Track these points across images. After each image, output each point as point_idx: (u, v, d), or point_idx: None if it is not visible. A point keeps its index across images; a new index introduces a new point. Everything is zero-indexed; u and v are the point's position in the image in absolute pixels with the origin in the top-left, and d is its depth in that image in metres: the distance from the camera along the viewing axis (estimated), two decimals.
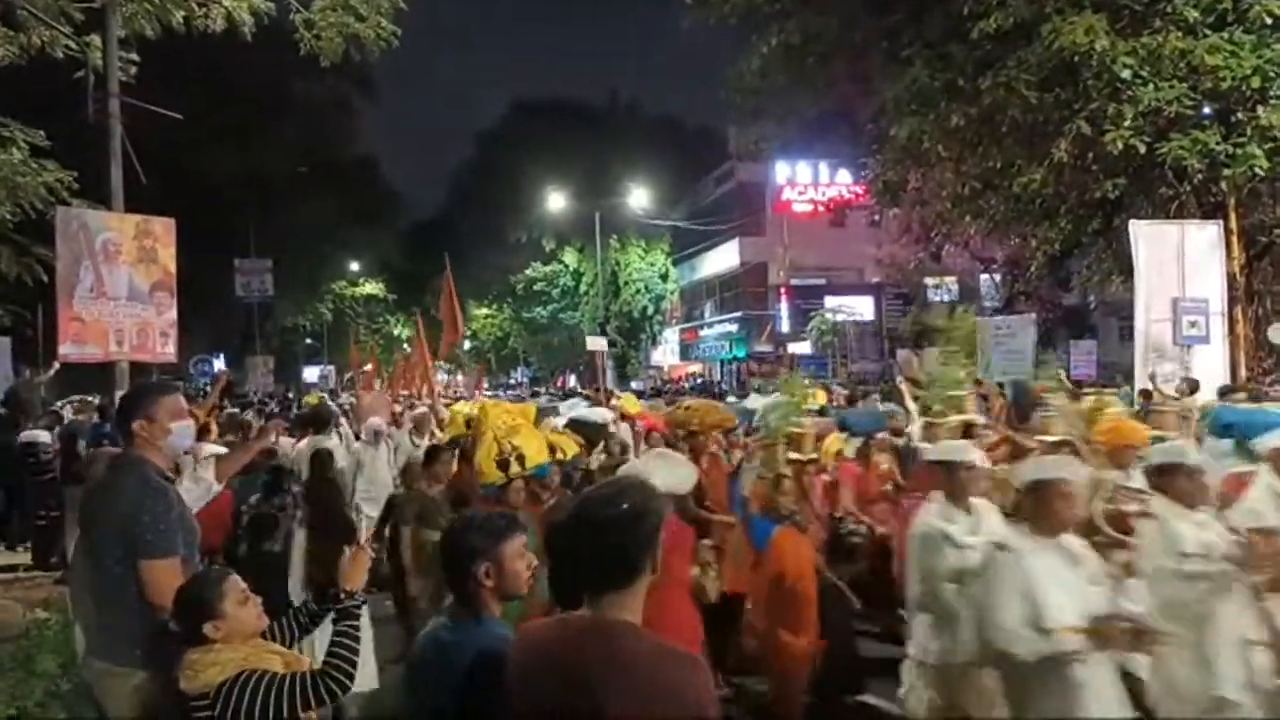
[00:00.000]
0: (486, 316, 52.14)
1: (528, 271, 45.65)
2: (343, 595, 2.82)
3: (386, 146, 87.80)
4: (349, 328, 48.73)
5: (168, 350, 8.00)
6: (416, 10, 10.59)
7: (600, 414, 9.36)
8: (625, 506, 2.05)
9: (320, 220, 32.99)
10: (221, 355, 29.51)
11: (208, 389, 20.52)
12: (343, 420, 10.56)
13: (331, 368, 42.03)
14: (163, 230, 8.00)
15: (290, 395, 20.82)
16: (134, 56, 10.13)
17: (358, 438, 9.53)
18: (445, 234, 49.91)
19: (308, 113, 30.49)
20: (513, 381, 43.79)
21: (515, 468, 5.39)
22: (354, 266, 46.35)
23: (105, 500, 3.23)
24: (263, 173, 29.31)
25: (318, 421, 8.86)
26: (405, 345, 47.07)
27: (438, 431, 9.10)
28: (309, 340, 45.88)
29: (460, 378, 42.23)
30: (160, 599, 2.93)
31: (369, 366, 25.17)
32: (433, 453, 6.68)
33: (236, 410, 13.70)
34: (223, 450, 5.19)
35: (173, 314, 7.99)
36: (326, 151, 33.62)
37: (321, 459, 6.59)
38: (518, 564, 2.47)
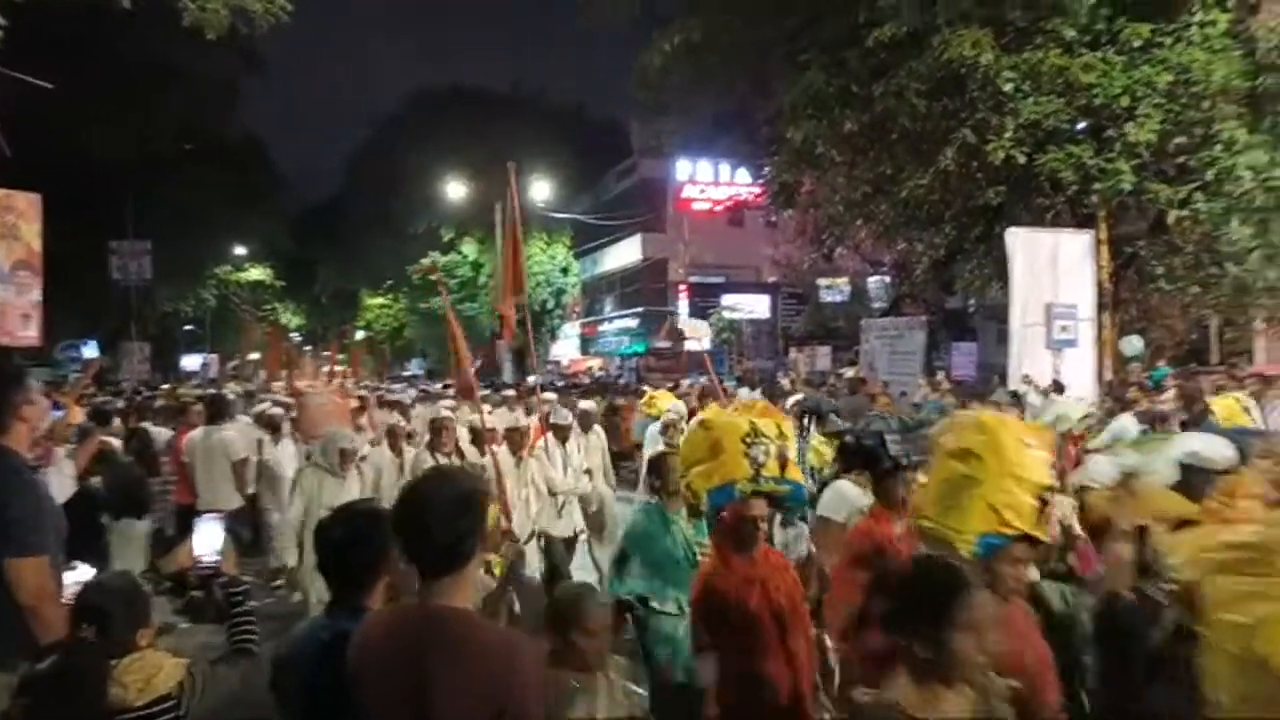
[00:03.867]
0: (381, 306, 50.95)
1: (425, 261, 44.68)
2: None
3: (278, 128, 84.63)
4: (233, 315, 46.85)
5: (29, 333, 7.55)
6: None
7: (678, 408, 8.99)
8: (452, 494, 2.09)
9: (204, 201, 31.39)
10: (94, 341, 27.85)
11: (77, 375, 19.40)
12: (284, 429, 9.13)
13: (214, 356, 40.25)
14: (27, 206, 7.53)
15: (153, 386, 19.37)
16: (1, 21, 9.48)
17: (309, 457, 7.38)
18: (338, 220, 48.58)
19: (192, 89, 29.01)
20: (408, 373, 42.87)
21: (774, 471, 3.68)
22: (240, 251, 44.46)
23: None
24: (143, 150, 27.80)
25: (213, 410, 8.55)
26: (294, 334, 45.60)
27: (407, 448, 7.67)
28: (189, 327, 43.84)
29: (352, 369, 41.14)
30: (33, 600, 2.76)
31: (256, 354, 24.23)
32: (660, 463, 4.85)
33: (109, 399, 13.01)
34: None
35: (36, 295, 7.54)
36: (212, 130, 32.12)
37: (140, 438, 7.53)
38: None
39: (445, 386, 17.14)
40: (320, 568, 2.52)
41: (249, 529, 8.38)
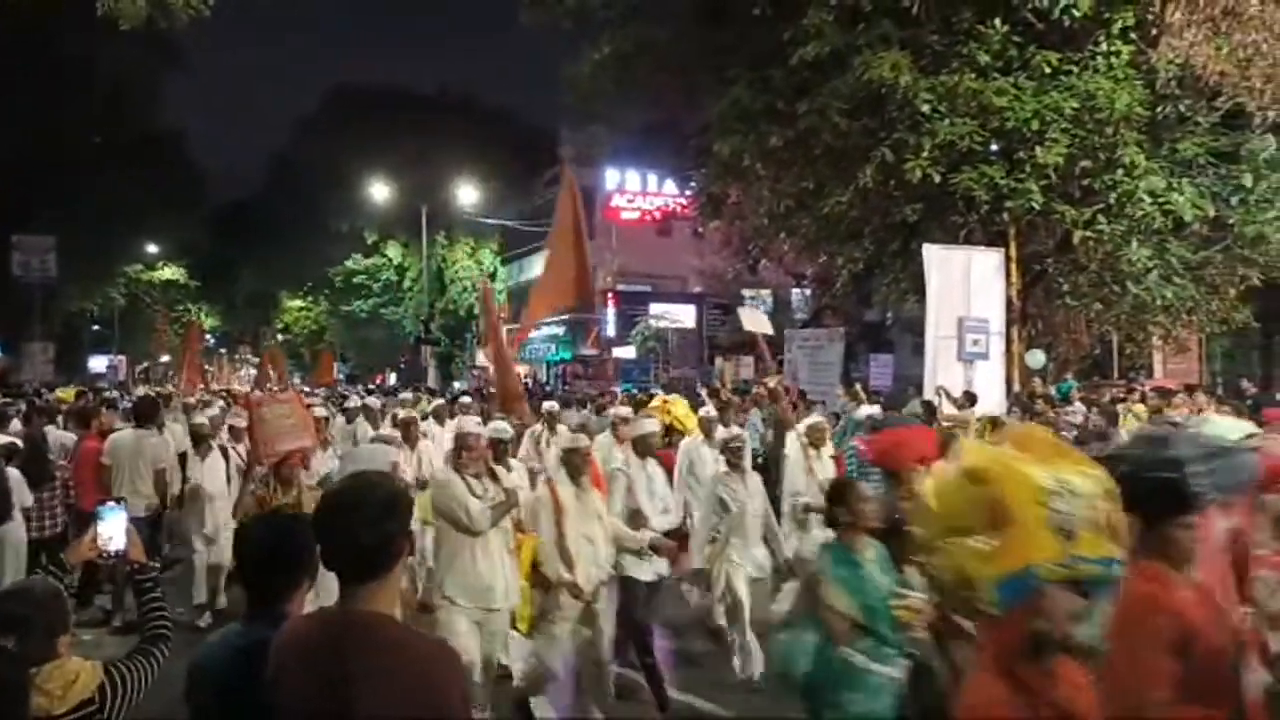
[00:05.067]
0: (301, 309, 49.76)
1: (347, 263, 43.83)
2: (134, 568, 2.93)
3: (197, 124, 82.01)
4: (144, 316, 45.16)
5: None
6: None
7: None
8: (377, 498, 2.08)
9: (115, 196, 30.15)
10: None
11: None
12: (227, 447, 8.46)
13: (122, 358, 38.70)
14: None
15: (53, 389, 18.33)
16: None
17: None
18: (258, 219, 47.28)
19: (105, 80, 27.94)
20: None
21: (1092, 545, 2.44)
22: (153, 249, 42.92)
23: None
24: (50, 142, 26.63)
25: (142, 413, 8.32)
26: (209, 336, 44.22)
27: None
28: (97, 327, 42.13)
29: (272, 372, 40.04)
30: None
31: (167, 356, 23.42)
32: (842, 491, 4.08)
33: (9, 401, 12.46)
34: None
35: None
36: (126, 123, 30.96)
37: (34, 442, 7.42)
38: None
39: (463, 394, 16.52)
40: (240, 575, 2.49)
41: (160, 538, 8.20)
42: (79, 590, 7.58)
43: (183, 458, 8.81)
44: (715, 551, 6.47)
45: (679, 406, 9.07)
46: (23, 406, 11.62)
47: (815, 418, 8.46)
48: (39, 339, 27.58)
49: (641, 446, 6.65)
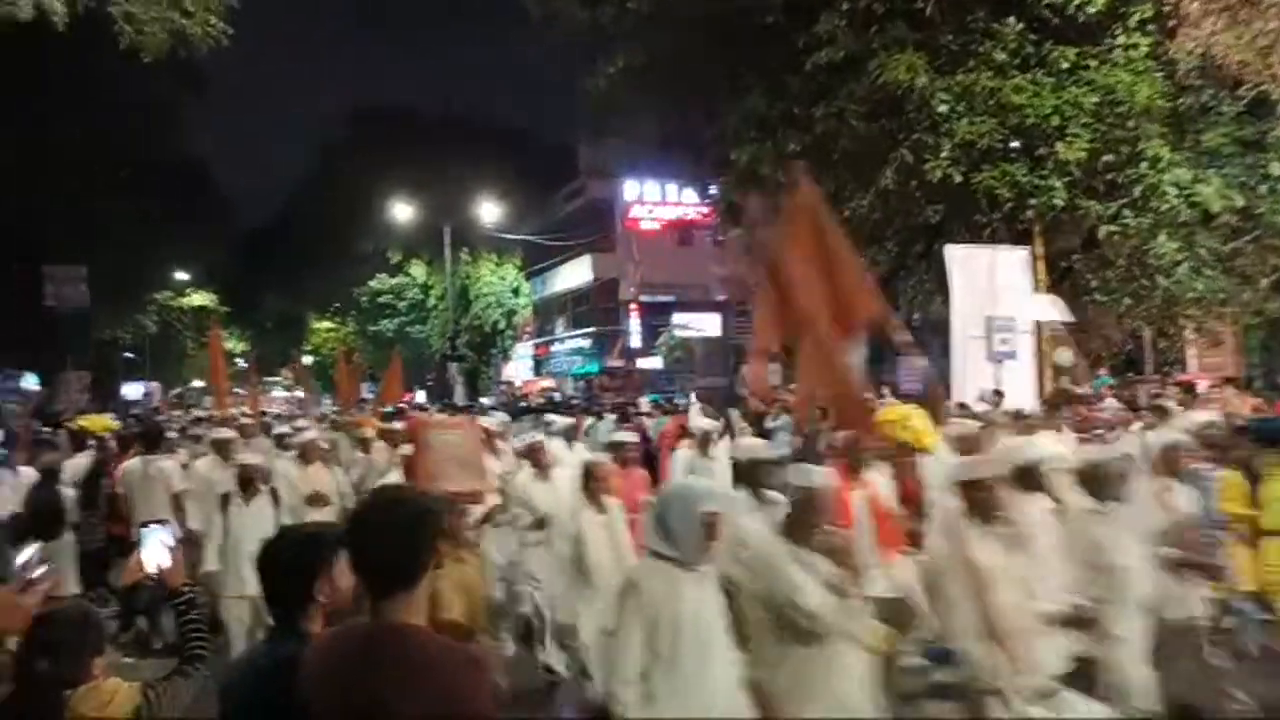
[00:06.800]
0: (328, 330, 50.24)
1: (372, 283, 44.30)
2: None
3: (219, 151, 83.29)
4: (176, 342, 45.81)
5: None
6: (256, 11, 10.23)
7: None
8: (409, 509, 2.14)
9: (142, 225, 30.72)
10: (27, 373, 27.04)
11: (13, 407, 18.82)
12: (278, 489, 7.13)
13: (156, 385, 39.24)
14: None
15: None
16: None
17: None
18: (283, 243, 47.88)
19: (130, 111, 28.46)
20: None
21: None
22: (181, 276, 43.59)
23: None
24: (78, 173, 27.14)
25: (148, 437, 8.43)
26: (239, 360, 44.73)
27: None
28: (129, 355, 42.79)
29: (302, 394, 40.48)
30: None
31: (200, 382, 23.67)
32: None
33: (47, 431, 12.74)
34: None
35: None
36: (151, 152, 31.48)
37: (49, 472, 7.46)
38: (346, 579, 2.44)
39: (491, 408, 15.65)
40: (264, 593, 2.52)
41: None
42: (121, 614, 7.71)
43: (224, 500, 6.97)
44: None
45: (918, 419, 6.49)
46: (62, 436, 11.84)
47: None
48: (73, 368, 28.02)
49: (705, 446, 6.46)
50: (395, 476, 6.37)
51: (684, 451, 8.26)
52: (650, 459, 10.05)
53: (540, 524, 6.40)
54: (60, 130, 25.46)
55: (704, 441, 8.04)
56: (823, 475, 3.75)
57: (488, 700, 2.07)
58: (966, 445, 6.11)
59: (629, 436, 7.54)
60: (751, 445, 5.13)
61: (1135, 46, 12.16)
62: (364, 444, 9.49)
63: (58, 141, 25.49)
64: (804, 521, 3.61)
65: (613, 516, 5.47)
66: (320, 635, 2.24)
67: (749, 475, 4.83)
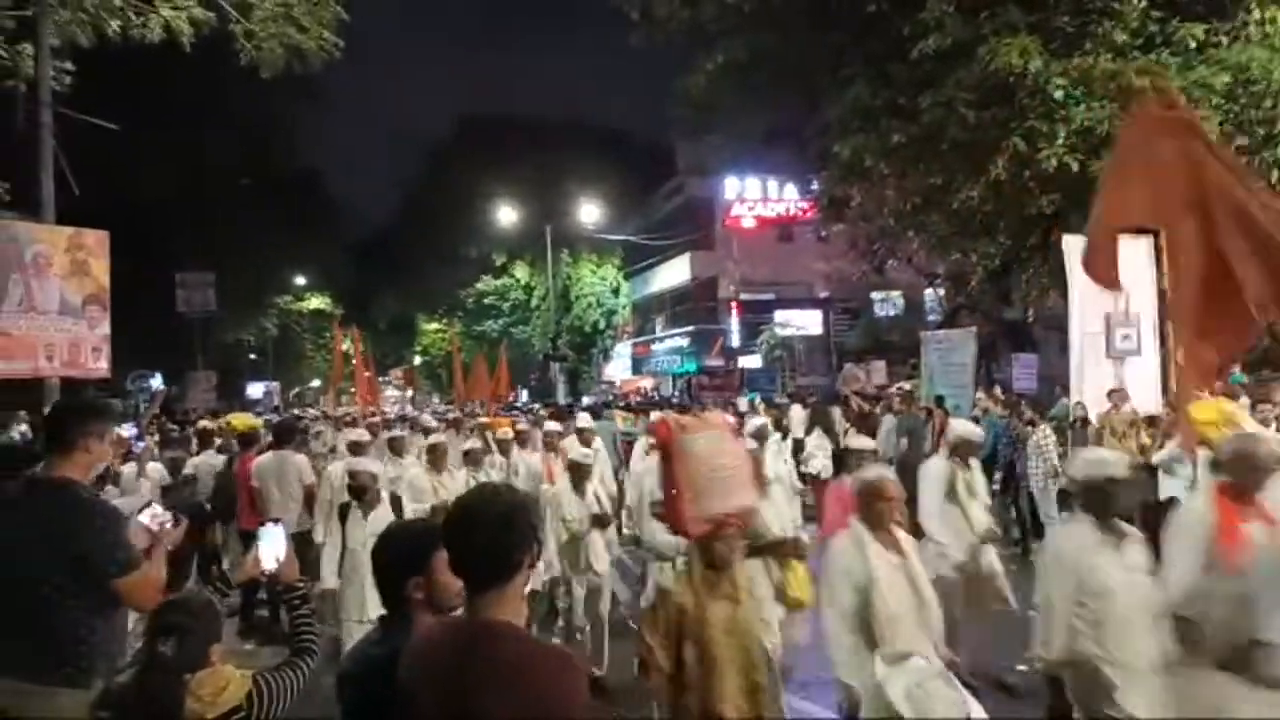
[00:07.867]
0: (436, 331, 51.73)
1: (478, 285, 45.45)
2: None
3: (331, 159, 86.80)
4: (295, 343, 47.98)
5: (100, 365, 7.82)
6: (363, 23, 10.59)
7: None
8: (501, 506, 2.15)
9: (262, 233, 32.42)
10: (159, 373, 28.73)
11: (145, 405, 20.03)
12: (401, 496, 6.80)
13: (276, 384, 41.12)
14: (95, 243, 7.83)
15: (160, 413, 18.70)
16: (68, 66, 9.92)
17: None
18: (393, 248, 49.64)
19: (249, 124, 29.99)
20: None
21: None
22: (300, 280, 45.66)
23: (34, 520, 3.16)
24: (203, 184, 28.76)
25: (281, 435, 8.80)
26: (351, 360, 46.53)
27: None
28: (252, 356, 45.04)
29: (410, 393, 41.80)
30: (146, 607, 2.98)
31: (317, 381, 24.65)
32: None
33: (175, 427, 13.49)
34: None
35: (106, 328, 7.81)
36: (269, 164, 33.10)
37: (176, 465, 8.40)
38: (447, 576, 2.47)
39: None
40: (376, 584, 2.60)
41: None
42: (242, 609, 8.07)
43: (343, 511, 6.22)
44: None
45: (1241, 415, 6.17)
46: (190, 432, 12.50)
47: (964, 426, 6.95)
48: (201, 368, 29.64)
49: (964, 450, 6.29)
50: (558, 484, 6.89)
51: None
52: None
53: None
54: (188, 146, 27.00)
55: (759, 436, 7.58)
56: None
57: (580, 705, 2.06)
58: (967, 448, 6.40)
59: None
60: (1100, 458, 4.04)
61: (1273, 20, 11.37)
62: (501, 446, 9.01)
63: (187, 156, 27.05)
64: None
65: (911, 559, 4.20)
66: (422, 630, 2.28)
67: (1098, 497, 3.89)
